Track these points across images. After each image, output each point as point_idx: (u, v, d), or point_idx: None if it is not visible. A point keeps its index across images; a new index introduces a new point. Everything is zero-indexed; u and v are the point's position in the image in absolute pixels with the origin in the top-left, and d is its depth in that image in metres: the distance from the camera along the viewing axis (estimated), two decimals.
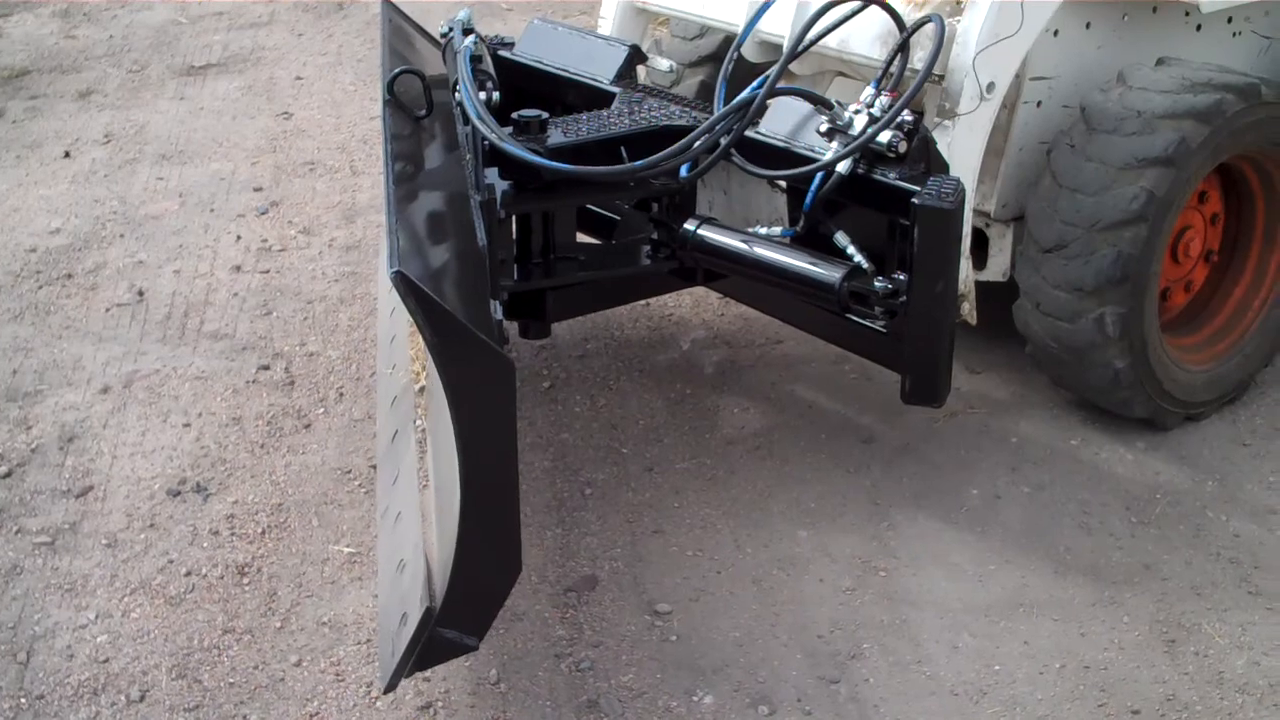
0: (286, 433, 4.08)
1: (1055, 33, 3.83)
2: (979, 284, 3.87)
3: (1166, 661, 3.18)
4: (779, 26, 3.85)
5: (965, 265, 3.61)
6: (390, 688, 2.77)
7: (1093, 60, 3.97)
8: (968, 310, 3.71)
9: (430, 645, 2.71)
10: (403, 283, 2.43)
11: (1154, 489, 3.80)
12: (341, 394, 4.26)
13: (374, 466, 3.86)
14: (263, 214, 5.53)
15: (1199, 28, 4.15)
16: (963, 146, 3.62)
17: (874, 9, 3.61)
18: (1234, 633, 3.27)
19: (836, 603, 3.38)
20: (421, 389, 3.75)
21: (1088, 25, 3.92)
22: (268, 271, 5.09)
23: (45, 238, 5.40)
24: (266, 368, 4.43)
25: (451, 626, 2.71)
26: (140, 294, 4.94)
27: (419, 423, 3.66)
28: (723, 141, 3.48)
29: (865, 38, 3.75)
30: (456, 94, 3.71)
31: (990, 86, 3.60)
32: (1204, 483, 3.83)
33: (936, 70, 3.58)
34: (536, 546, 3.56)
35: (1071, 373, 3.90)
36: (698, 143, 3.46)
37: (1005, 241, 4.02)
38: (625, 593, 3.42)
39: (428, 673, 3.12)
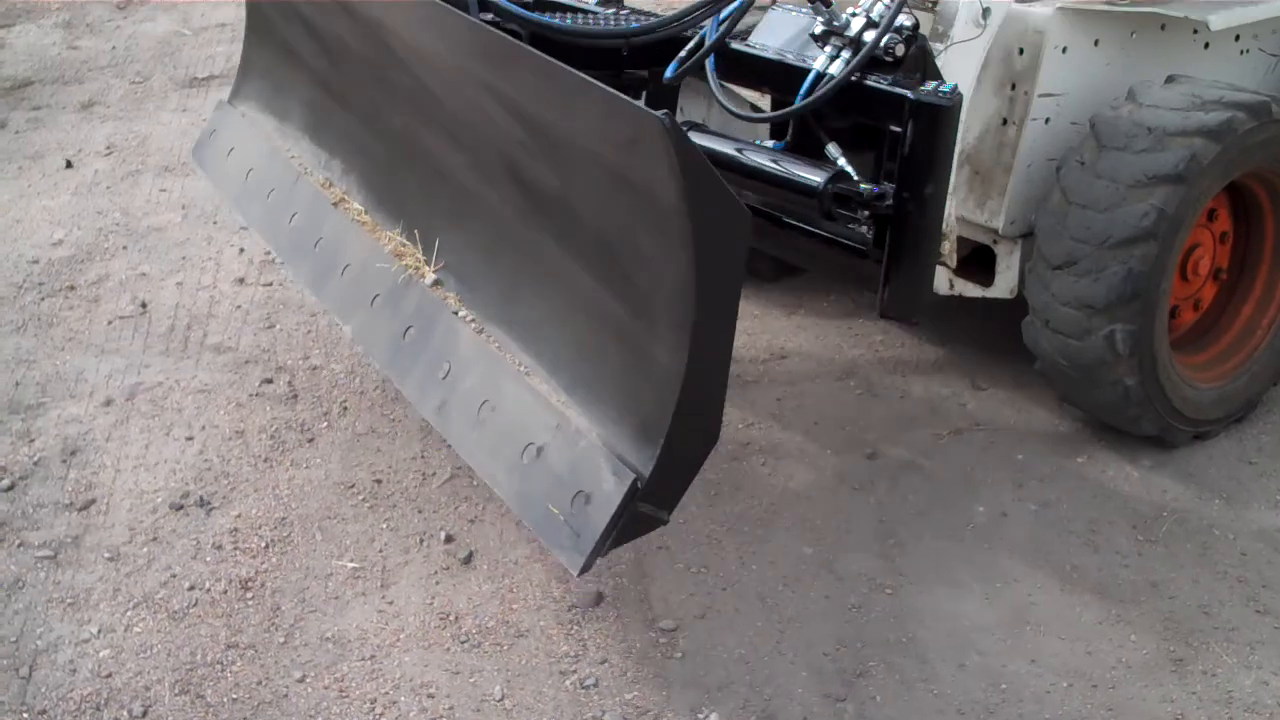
0: (290, 446, 4.06)
1: (1064, 49, 3.82)
2: (985, 300, 3.84)
3: (1174, 680, 3.16)
4: None
5: (951, 202, 3.42)
6: (586, 568, 2.61)
7: (1100, 77, 3.96)
8: (948, 250, 3.57)
9: (631, 520, 2.61)
10: (669, 125, 2.30)
11: (1161, 507, 3.79)
12: (345, 408, 4.24)
13: (373, 479, 3.86)
14: None
15: (1206, 45, 4.15)
16: (954, 74, 3.52)
17: None
18: (1242, 652, 3.25)
19: (843, 620, 3.36)
20: (436, 282, 3.37)
21: (1096, 42, 3.91)
22: (270, 284, 5.07)
23: (48, 249, 5.39)
24: (270, 381, 4.41)
25: (650, 501, 2.61)
26: (143, 306, 4.92)
27: (462, 313, 3.23)
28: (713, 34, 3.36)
29: None
30: None
31: (986, 12, 3.50)
32: (1211, 501, 3.82)
33: None
34: (540, 563, 3.54)
35: (1081, 390, 3.89)
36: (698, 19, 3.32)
37: (1013, 258, 4.01)
38: (630, 609, 3.40)
39: (431, 689, 3.10)
